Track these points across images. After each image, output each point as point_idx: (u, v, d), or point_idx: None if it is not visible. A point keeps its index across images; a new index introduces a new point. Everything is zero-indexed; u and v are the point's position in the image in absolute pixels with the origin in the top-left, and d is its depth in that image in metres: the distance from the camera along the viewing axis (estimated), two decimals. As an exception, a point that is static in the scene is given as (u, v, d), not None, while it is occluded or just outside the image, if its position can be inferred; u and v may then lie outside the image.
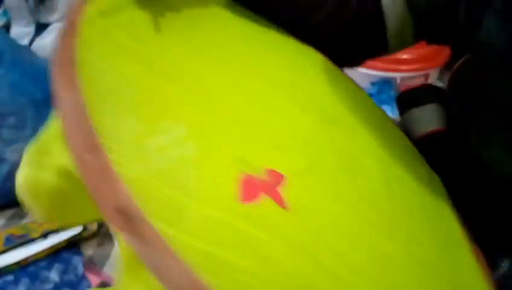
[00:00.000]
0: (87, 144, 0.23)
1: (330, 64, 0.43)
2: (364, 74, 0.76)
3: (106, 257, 0.56)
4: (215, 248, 0.23)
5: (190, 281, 0.21)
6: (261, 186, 0.27)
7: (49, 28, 0.84)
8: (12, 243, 0.55)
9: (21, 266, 0.54)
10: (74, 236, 0.56)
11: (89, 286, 0.52)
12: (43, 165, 0.28)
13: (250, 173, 0.27)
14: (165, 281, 0.21)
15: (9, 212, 0.64)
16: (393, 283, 0.29)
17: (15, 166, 0.62)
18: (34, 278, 0.53)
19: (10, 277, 0.53)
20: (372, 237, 0.30)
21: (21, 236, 0.56)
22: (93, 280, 0.53)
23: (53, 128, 0.28)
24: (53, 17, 0.90)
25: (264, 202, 0.27)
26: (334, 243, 0.28)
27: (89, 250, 0.57)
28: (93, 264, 0.55)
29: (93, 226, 0.58)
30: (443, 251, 0.35)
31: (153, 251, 0.21)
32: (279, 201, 0.27)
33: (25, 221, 0.62)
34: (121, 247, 0.26)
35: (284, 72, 0.39)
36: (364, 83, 0.77)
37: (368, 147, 0.37)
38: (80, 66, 0.26)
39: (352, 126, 0.38)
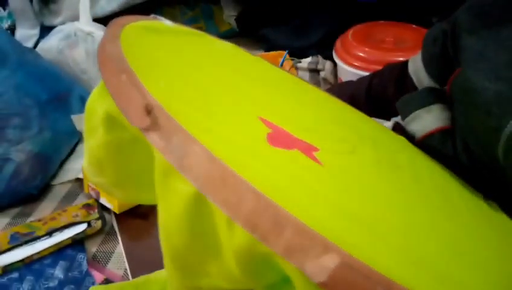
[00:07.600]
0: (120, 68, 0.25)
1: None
2: (356, 74, 0.74)
3: (110, 254, 0.57)
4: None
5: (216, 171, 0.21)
6: (296, 143, 0.27)
7: (54, 30, 0.85)
8: (17, 241, 0.56)
9: (26, 264, 0.54)
10: (78, 234, 0.57)
11: (93, 283, 0.52)
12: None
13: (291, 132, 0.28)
14: (188, 172, 0.21)
15: (14, 211, 0.65)
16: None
17: (20, 166, 0.64)
18: (39, 275, 0.53)
19: (15, 275, 0.53)
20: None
21: (26, 234, 0.57)
22: (97, 276, 0.53)
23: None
24: (57, 20, 0.91)
25: (297, 153, 0.27)
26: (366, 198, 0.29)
27: (93, 247, 0.58)
28: (97, 262, 0.56)
29: (97, 224, 0.59)
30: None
31: (179, 146, 0.21)
32: (313, 157, 0.27)
33: (29, 219, 0.63)
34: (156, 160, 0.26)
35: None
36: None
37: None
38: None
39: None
